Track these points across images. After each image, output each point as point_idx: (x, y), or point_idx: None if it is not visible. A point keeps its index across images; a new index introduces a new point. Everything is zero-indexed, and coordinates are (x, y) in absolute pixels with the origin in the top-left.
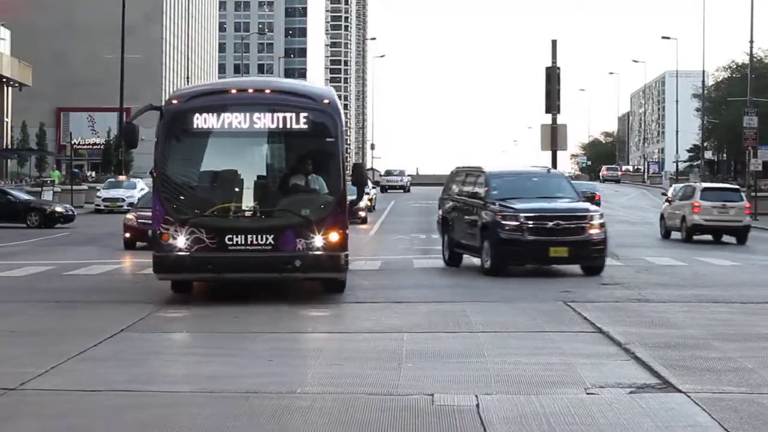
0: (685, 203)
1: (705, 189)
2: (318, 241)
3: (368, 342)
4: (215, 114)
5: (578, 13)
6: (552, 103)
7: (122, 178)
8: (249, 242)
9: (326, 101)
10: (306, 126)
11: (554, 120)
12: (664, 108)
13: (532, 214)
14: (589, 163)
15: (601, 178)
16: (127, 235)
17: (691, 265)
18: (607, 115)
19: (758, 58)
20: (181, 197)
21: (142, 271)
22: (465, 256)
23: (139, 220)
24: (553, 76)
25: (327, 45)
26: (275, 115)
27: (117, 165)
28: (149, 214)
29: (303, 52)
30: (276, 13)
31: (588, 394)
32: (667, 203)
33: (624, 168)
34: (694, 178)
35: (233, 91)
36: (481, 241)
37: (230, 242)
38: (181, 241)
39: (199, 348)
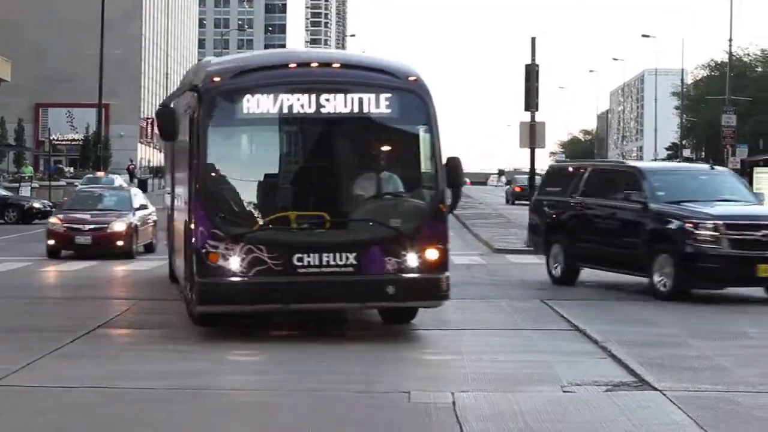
0: None
1: None
2: (412, 259)
3: (345, 339)
4: (272, 95)
5: (558, 10)
6: (531, 101)
7: (100, 174)
8: (325, 263)
9: (412, 78)
10: (389, 110)
11: (533, 117)
12: (643, 106)
13: (734, 222)
14: (568, 160)
15: None
16: (51, 242)
17: None
18: (587, 112)
19: (737, 56)
20: (233, 205)
21: (120, 267)
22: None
23: (65, 225)
24: (532, 74)
25: (307, 42)
26: (349, 96)
27: (95, 161)
28: (79, 216)
29: None
30: (256, 9)
31: (564, 392)
32: None
33: None
34: None
35: (292, 65)
36: (650, 255)
37: (300, 263)
38: (234, 262)
39: (177, 344)
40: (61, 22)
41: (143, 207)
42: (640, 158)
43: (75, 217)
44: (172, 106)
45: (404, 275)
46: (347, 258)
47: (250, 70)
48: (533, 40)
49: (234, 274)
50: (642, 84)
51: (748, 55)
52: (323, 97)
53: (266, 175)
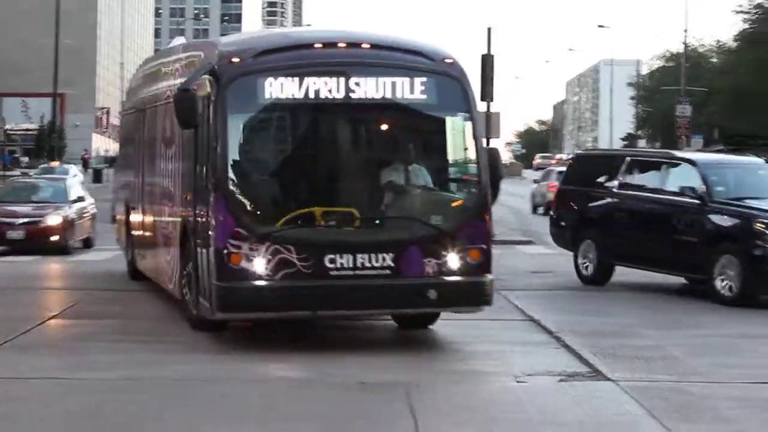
0: (544, 183)
1: (559, 171)
2: (454, 260)
3: (300, 331)
4: (297, 78)
5: (514, 0)
6: (487, 91)
7: (55, 164)
8: (359, 264)
9: (449, 60)
10: (425, 96)
11: (488, 108)
12: (598, 96)
13: None
14: (524, 151)
15: (534, 166)
16: None
17: None
18: (543, 103)
19: (692, 47)
20: (258, 201)
21: (66, 259)
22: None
23: None
24: (488, 64)
25: None
26: (381, 80)
27: (50, 151)
28: (11, 209)
29: None
30: None
31: (518, 382)
32: (535, 184)
33: (558, 156)
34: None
35: (317, 45)
36: (710, 256)
37: (332, 265)
38: (259, 264)
39: (134, 335)
40: (16, 11)
41: (80, 199)
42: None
43: (6, 210)
44: (192, 90)
45: (446, 278)
46: (384, 259)
47: (272, 50)
48: (489, 30)
49: (259, 278)
50: (597, 74)
51: (704, 45)
52: (354, 80)
53: (293, 168)
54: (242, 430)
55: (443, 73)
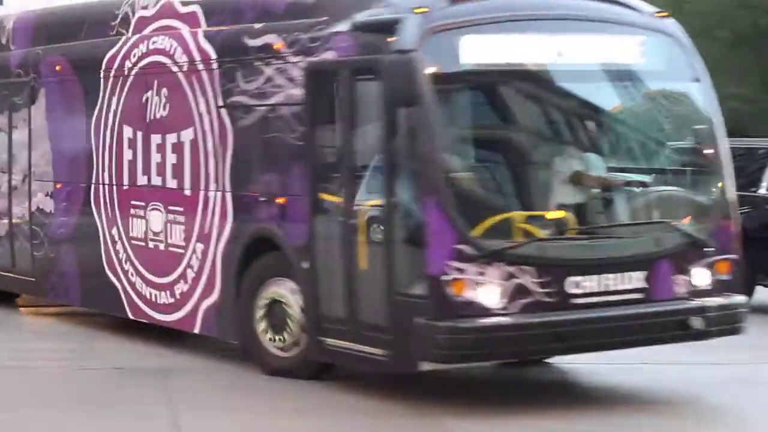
0: None
1: None
2: (706, 276)
3: (62, 321)
4: (503, 35)
5: None
6: None
7: None
8: (607, 288)
9: (661, 14)
10: (645, 59)
11: None
12: None
13: None
14: None
15: None
16: None
17: None
18: None
19: None
20: (482, 206)
21: None
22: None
23: None
24: None
25: None
26: (595, 38)
27: None
28: None
29: None
30: None
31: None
32: None
33: None
34: None
35: None
36: None
37: (575, 289)
38: (493, 293)
39: None
40: None
41: None
42: None
43: None
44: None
45: (705, 301)
46: (634, 279)
47: None
48: None
49: (489, 313)
50: None
51: None
52: (563, 39)
53: (517, 159)
54: None
55: (662, 31)
